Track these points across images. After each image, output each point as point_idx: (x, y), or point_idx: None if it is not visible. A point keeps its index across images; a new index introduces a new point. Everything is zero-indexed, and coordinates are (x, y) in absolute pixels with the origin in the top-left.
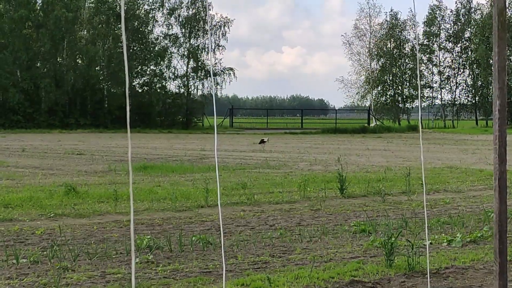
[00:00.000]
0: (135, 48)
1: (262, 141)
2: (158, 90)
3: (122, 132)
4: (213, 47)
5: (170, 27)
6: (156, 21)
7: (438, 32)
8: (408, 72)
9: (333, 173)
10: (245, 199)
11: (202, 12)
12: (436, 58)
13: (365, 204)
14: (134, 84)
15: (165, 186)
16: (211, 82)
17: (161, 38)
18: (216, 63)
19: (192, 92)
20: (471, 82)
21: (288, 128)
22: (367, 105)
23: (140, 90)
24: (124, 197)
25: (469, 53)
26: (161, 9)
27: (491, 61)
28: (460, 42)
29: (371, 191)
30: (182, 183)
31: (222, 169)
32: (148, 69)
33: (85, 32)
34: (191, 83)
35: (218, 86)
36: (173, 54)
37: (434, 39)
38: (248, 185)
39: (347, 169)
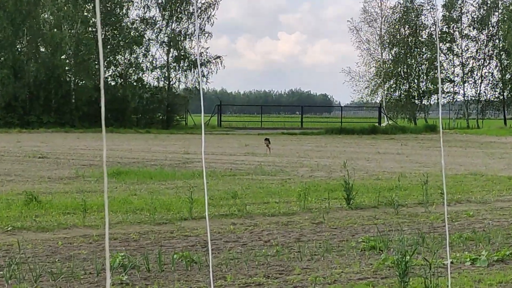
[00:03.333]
0: (106, 34)
1: (268, 141)
2: (134, 83)
3: (92, 131)
4: (198, 33)
5: (148, 9)
6: (131, 1)
7: (460, 17)
8: (425, 63)
9: (338, 180)
10: (235, 210)
11: None
12: (457, 48)
13: (375, 216)
14: (106, 76)
15: (142, 195)
16: (196, 74)
17: (137, 22)
18: (201, 52)
19: (173, 85)
20: (499, 75)
21: (286, 128)
22: (377, 101)
23: (112, 83)
24: (94, 207)
25: (497, 41)
26: None
27: None
28: (486, 28)
29: (382, 202)
30: (162, 191)
31: (209, 176)
32: (122, 58)
33: (49, 15)
34: (173, 75)
35: (204, 79)
36: (151, 41)
37: (455, 25)
38: (239, 194)
39: (355, 176)
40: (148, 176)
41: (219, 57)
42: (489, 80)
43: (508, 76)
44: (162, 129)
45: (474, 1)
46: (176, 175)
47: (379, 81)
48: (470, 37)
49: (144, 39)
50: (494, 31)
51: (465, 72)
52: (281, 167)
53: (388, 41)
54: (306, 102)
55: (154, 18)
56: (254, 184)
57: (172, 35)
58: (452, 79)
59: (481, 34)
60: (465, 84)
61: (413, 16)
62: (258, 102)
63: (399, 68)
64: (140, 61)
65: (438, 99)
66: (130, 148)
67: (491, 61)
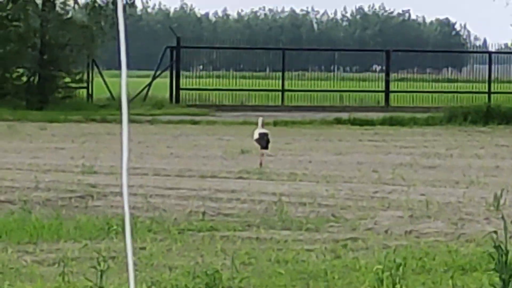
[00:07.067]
0: None
1: (264, 141)
2: None
3: None
4: None
5: None
6: None
7: None
8: None
9: (479, 243)
10: None
11: None
12: None
13: None
14: None
15: None
16: None
17: None
18: None
19: None
20: None
21: (347, 108)
22: None
23: None
24: None
25: None
26: None
27: None
28: None
29: None
30: (27, 270)
31: (148, 231)
32: None
33: None
34: None
35: None
36: None
37: None
38: (226, 278)
39: None
40: None
41: None
42: None
43: None
44: (28, 109)
45: None
46: (61, 230)
47: None
48: None
49: None
50: None
51: None
52: (332, 209)
53: None
54: (398, 42)
55: None
56: (263, 254)
57: None
58: None
59: None
60: None
61: None
62: (273, 40)
63: None
64: None
65: None
66: None
67: None
